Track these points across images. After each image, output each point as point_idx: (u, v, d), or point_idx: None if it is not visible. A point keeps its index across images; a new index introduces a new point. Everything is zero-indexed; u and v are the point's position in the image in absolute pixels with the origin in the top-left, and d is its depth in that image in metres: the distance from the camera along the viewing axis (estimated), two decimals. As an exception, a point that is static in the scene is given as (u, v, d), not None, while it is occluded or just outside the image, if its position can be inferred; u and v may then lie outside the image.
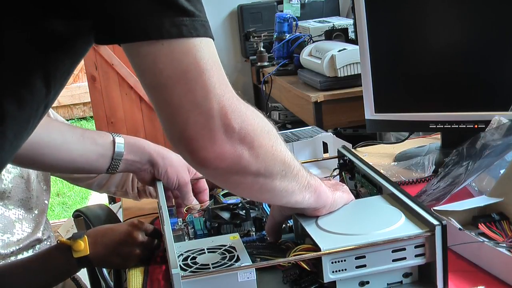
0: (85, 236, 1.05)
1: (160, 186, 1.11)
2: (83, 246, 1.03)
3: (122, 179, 1.36)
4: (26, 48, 0.67)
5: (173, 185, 1.13)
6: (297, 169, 0.81)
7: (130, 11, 0.63)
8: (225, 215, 1.07)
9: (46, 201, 1.39)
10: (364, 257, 0.83)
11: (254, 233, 1.04)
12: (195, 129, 0.67)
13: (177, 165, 1.13)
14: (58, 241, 1.06)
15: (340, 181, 1.13)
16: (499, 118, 1.17)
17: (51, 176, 1.45)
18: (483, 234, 0.97)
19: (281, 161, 0.77)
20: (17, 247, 1.28)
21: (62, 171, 1.25)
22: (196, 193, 1.19)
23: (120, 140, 1.09)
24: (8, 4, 0.65)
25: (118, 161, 1.08)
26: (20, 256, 1.28)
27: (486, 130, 1.17)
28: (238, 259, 0.85)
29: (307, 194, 0.85)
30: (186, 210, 1.15)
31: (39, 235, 1.34)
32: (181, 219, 1.11)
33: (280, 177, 0.78)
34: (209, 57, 0.66)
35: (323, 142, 1.41)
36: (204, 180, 1.20)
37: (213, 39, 0.68)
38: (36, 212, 1.35)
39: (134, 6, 0.63)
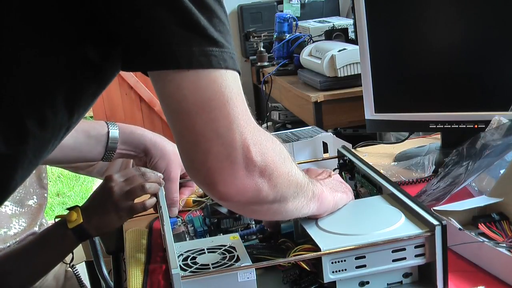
0: (78, 207, 1.05)
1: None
2: (75, 216, 1.03)
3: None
4: (55, 72, 0.67)
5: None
6: (305, 185, 0.81)
7: (161, 39, 0.62)
8: (224, 210, 1.07)
9: (45, 195, 1.39)
10: (364, 257, 0.83)
11: (254, 225, 1.04)
12: (216, 160, 0.66)
13: (168, 159, 1.11)
14: (56, 218, 1.07)
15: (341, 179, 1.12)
16: (499, 118, 1.17)
17: (50, 175, 1.46)
18: (483, 234, 0.97)
19: (294, 185, 0.77)
20: (14, 241, 1.28)
21: (55, 164, 1.26)
22: (183, 186, 1.18)
23: (114, 132, 1.08)
24: (47, 29, 0.65)
25: (111, 152, 1.08)
26: None
27: (486, 130, 1.17)
28: (238, 259, 0.85)
29: (311, 204, 0.85)
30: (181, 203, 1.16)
31: (36, 229, 1.35)
32: (180, 218, 1.11)
33: (292, 198, 0.78)
34: (233, 88, 0.66)
35: (323, 142, 1.41)
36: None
37: (240, 73, 0.68)
38: (33, 207, 1.35)
39: (165, 34, 0.62)
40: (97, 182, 4.00)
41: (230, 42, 0.66)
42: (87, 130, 1.07)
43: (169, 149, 1.12)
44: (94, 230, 1.05)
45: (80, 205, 1.07)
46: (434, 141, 1.61)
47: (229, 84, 0.65)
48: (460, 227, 0.96)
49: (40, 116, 0.68)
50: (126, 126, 1.12)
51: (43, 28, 0.65)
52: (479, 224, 0.99)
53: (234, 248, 0.89)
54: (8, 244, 1.27)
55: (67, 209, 1.05)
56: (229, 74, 0.66)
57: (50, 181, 1.40)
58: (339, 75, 2.32)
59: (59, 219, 1.06)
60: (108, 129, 1.09)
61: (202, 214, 1.11)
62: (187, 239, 1.06)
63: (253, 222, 1.04)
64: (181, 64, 0.63)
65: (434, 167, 1.37)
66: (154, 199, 1.05)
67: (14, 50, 0.65)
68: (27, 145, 0.69)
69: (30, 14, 0.64)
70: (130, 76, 3.58)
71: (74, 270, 1.24)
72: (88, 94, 0.72)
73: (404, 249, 0.83)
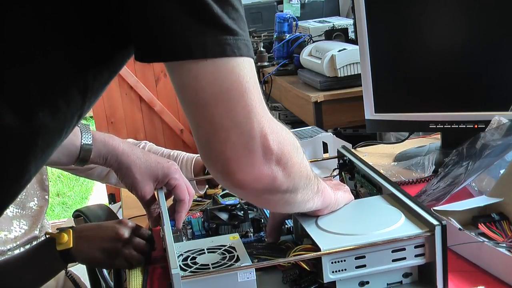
0: (70, 230, 1.04)
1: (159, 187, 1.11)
2: (66, 239, 1.02)
3: None
4: (67, 62, 0.67)
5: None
6: (312, 178, 0.81)
7: (174, 30, 0.62)
8: (223, 216, 1.07)
9: (46, 197, 1.39)
10: (364, 257, 0.83)
11: (252, 234, 1.04)
12: (234, 149, 0.66)
13: (135, 176, 1.06)
14: (46, 234, 1.06)
15: (340, 181, 1.12)
16: (499, 118, 1.17)
17: (51, 175, 1.45)
18: (483, 234, 0.97)
19: (305, 176, 0.78)
20: (14, 244, 1.28)
21: None
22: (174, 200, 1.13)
23: (87, 146, 1.04)
24: (55, 21, 0.65)
25: (83, 163, 1.05)
26: (17, 252, 1.28)
27: (486, 130, 1.17)
28: (238, 259, 0.85)
29: (316, 198, 0.85)
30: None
31: (36, 232, 1.34)
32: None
33: (301, 190, 0.78)
34: (250, 77, 0.66)
35: (323, 142, 1.41)
36: (181, 188, 1.08)
37: (254, 59, 0.68)
38: (34, 209, 1.35)
39: (178, 25, 0.62)
40: (97, 183, 3.99)
41: (244, 29, 0.66)
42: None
43: (138, 163, 1.06)
44: (80, 259, 1.05)
45: (74, 228, 1.05)
46: (434, 141, 1.61)
47: (246, 73, 0.65)
48: (460, 227, 0.96)
49: (53, 106, 0.68)
50: (100, 136, 1.06)
51: (52, 22, 0.65)
52: (479, 224, 0.99)
53: (234, 248, 0.89)
54: (8, 247, 1.27)
55: (58, 229, 1.04)
56: (246, 62, 0.66)
57: (50, 181, 1.39)
58: (339, 75, 2.32)
59: (49, 236, 1.05)
60: (81, 144, 1.04)
61: (202, 217, 1.11)
62: (184, 240, 1.05)
63: (251, 230, 1.04)
64: (195, 54, 0.63)
65: (434, 167, 1.37)
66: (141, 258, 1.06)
67: (24, 45, 0.65)
68: (39, 135, 0.68)
69: (39, 7, 0.64)
70: (130, 76, 3.58)
71: (68, 275, 1.23)
72: (100, 82, 0.72)
73: (404, 249, 0.83)
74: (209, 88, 0.64)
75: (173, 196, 1.09)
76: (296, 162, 0.74)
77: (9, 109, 0.65)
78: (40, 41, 0.65)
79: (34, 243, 1.34)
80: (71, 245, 1.02)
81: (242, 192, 0.72)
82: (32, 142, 0.68)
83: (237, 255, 0.87)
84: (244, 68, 0.65)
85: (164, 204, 1.03)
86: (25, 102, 0.66)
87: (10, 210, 1.30)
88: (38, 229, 1.35)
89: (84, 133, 1.04)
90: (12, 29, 0.64)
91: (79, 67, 0.68)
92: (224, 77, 0.64)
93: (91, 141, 1.04)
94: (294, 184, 0.75)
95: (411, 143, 1.62)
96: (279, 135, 0.70)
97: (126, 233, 1.04)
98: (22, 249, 1.31)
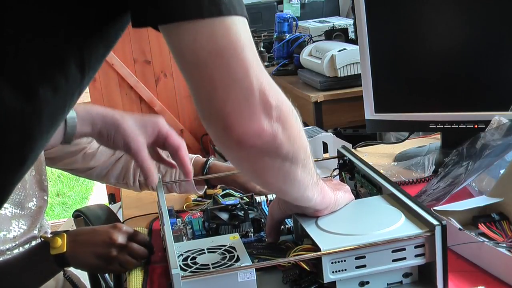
0: (64, 234, 1.03)
1: (159, 186, 1.11)
2: (59, 243, 1.02)
3: (122, 172, 1.36)
4: (62, 34, 0.68)
5: (121, 150, 1.07)
6: (312, 163, 0.82)
7: None
8: (224, 216, 1.07)
9: (45, 197, 1.39)
10: (364, 257, 0.83)
11: (252, 234, 1.04)
12: (235, 104, 0.67)
13: (125, 129, 1.04)
14: (41, 238, 1.06)
15: (340, 181, 1.12)
16: (499, 118, 1.17)
17: (50, 175, 1.45)
18: (483, 234, 0.97)
19: (304, 149, 0.78)
20: (13, 244, 1.28)
21: None
22: (171, 153, 1.11)
23: (71, 117, 1.02)
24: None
25: (70, 136, 1.03)
26: (16, 252, 1.28)
27: (486, 130, 1.17)
28: (238, 259, 0.85)
29: (316, 191, 0.85)
30: (185, 207, 1.15)
31: (35, 232, 1.34)
32: (180, 219, 1.11)
33: (302, 166, 0.78)
34: (246, 35, 0.67)
35: (323, 142, 1.41)
36: (173, 136, 1.08)
37: (248, 19, 0.69)
38: (33, 209, 1.35)
39: None
40: (97, 183, 3.99)
41: None
42: None
43: (127, 120, 1.06)
44: (74, 264, 1.04)
45: (68, 232, 1.05)
46: (434, 141, 1.61)
47: (242, 31, 0.67)
48: (460, 227, 0.96)
49: (53, 83, 0.69)
50: (80, 106, 1.04)
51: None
52: (479, 224, 0.99)
53: (234, 248, 0.89)
54: (7, 246, 1.27)
55: (53, 233, 1.04)
56: (241, 20, 0.67)
57: (50, 181, 1.39)
58: (339, 75, 2.32)
59: (43, 239, 1.05)
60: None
61: (202, 217, 1.11)
62: (185, 240, 1.05)
63: (252, 230, 1.04)
64: (192, 15, 0.64)
65: (434, 167, 1.37)
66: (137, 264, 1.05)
67: (20, 25, 0.66)
68: (42, 113, 0.69)
69: None
70: (130, 76, 3.58)
71: (66, 276, 1.23)
72: (97, 56, 0.73)
73: (404, 249, 0.83)
74: (207, 47, 0.65)
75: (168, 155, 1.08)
76: (295, 126, 0.74)
77: (10, 88, 0.66)
78: (36, 16, 0.66)
79: (33, 242, 1.34)
80: (65, 250, 1.02)
81: (241, 150, 0.71)
82: (36, 120, 0.69)
83: (237, 255, 0.87)
84: (240, 27, 0.67)
85: (164, 203, 1.03)
86: (24, 80, 0.67)
87: (9, 211, 1.30)
88: (37, 229, 1.35)
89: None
90: (6, 3, 0.65)
91: (75, 40, 0.69)
92: (221, 35, 0.65)
93: (74, 113, 1.02)
94: (293, 151, 0.75)
95: (411, 143, 1.62)
96: (278, 93, 0.71)
97: (120, 238, 1.04)
98: (21, 249, 1.31)
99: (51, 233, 1.04)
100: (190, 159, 1.31)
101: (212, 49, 0.65)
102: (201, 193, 1.31)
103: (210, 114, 0.69)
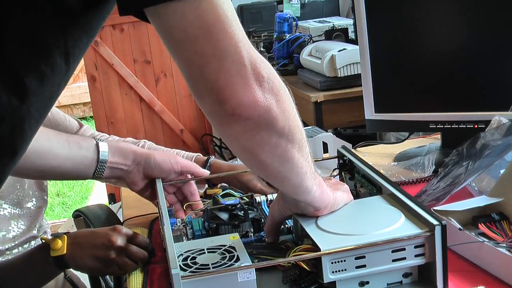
0: (64, 236, 1.04)
1: (159, 185, 1.11)
2: (60, 245, 1.02)
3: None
4: (46, 25, 0.68)
5: (170, 170, 1.14)
6: (308, 151, 0.82)
7: None
8: (224, 216, 1.07)
9: (44, 197, 1.39)
10: (364, 257, 0.83)
11: (252, 234, 1.04)
12: (228, 77, 0.68)
13: (165, 154, 1.13)
14: (41, 239, 1.06)
15: (338, 180, 1.12)
16: (499, 118, 1.17)
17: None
18: (483, 234, 0.97)
19: (300, 129, 0.78)
20: (13, 244, 1.28)
21: (49, 177, 1.25)
22: (186, 196, 1.20)
23: (103, 144, 1.10)
24: None
25: (103, 164, 1.09)
26: (15, 251, 1.28)
27: (486, 130, 1.17)
28: (238, 259, 0.85)
29: (314, 184, 0.85)
30: (185, 207, 1.15)
31: (35, 232, 1.35)
32: (180, 219, 1.11)
33: (298, 148, 0.78)
34: (230, 10, 0.69)
35: (323, 142, 1.41)
36: (191, 182, 1.20)
37: None
38: (32, 209, 1.35)
39: None
40: (97, 183, 3.98)
41: None
42: (78, 142, 1.08)
43: (161, 150, 1.14)
44: (73, 266, 1.05)
45: (68, 234, 1.05)
46: (434, 141, 1.61)
47: (228, 7, 0.68)
48: (460, 227, 0.96)
49: (38, 72, 0.69)
50: (113, 141, 1.14)
51: None
52: (479, 224, 0.99)
53: (234, 248, 0.89)
54: (6, 246, 1.27)
55: (53, 235, 1.04)
56: None
57: (50, 181, 1.40)
58: (339, 75, 2.32)
59: (43, 241, 1.05)
60: (96, 141, 1.09)
61: (202, 217, 1.11)
62: (185, 240, 1.05)
63: (252, 230, 1.04)
64: None
65: (434, 167, 1.37)
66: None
67: (2, 11, 0.66)
68: (30, 103, 0.70)
69: None
70: (130, 76, 3.58)
71: (66, 277, 1.23)
72: (80, 46, 0.73)
73: (404, 249, 0.83)
74: (195, 23, 0.66)
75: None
76: (288, 100, 0.75)
77: None
78: (13, 6, 0.66)
79: (33, 242, 1.34)
80: (65, 252, 1.02)
81: (237, 125, 0.71)
82: (25, 111, 0.69)
83: (237, 255, 0.87)
84: (225, 3, 0.68)
85: (164, 203, 1.03)
86: (11, 70, 0.67)
87: (8, 211, 1.30)
88: (36, 229, 1.35)
89: (98, 140, 1.11)
90: None
91: (59, 29, 0.69)
92: (208, 10, 0.67)
93: (106, 145, 1.10)
94: (289, 127, 0.75)
95: (411, 143, 1.62)
96: (269, 67, 0.72)
97: (119, 240, 1.03)
98: (20, 249, 1.31)
99: (51, 234, 1.04)
100: (191, 157, 1.31)
101: (200, 24, 0.66)
102: (202, 192, 1.31)
103: (204, 89, 0.70)
